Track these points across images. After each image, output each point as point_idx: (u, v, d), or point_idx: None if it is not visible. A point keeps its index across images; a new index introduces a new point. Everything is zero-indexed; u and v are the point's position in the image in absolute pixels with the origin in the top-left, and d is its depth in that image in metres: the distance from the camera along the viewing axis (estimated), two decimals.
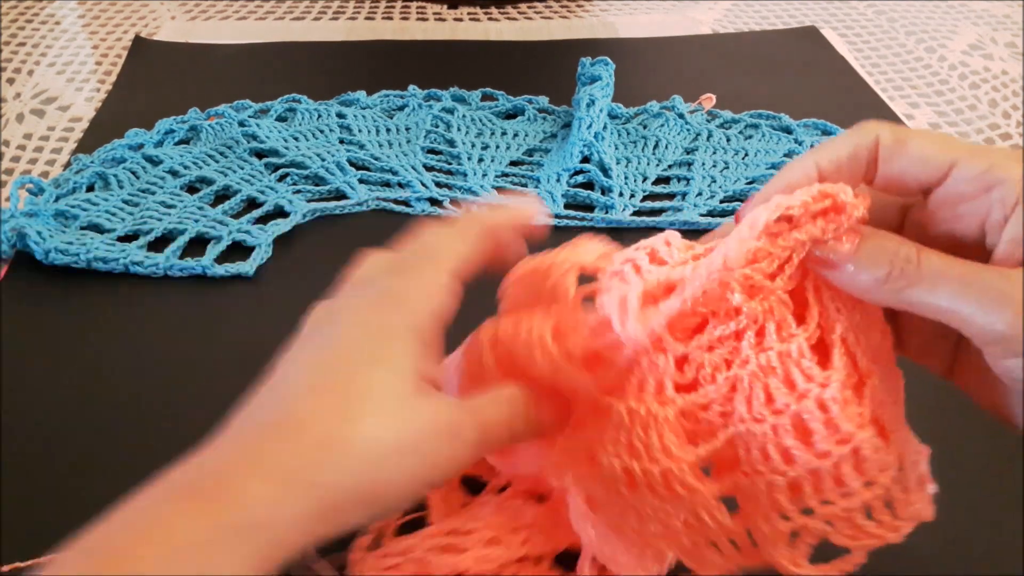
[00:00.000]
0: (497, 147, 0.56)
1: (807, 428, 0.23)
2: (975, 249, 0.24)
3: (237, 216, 0.49)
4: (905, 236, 0.23)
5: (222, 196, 0.50)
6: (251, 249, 0.46)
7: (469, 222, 0.27)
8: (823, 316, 0.24)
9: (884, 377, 0.25)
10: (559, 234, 0.49)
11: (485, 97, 0.61)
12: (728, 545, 0.25)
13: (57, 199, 0.48)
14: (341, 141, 0.56)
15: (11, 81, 0.65)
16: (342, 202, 0.50)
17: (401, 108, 0.60)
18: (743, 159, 0.55)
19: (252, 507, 0.20)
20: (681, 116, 0.58)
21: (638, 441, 0.24)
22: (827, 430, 0.23)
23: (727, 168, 0.54)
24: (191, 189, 0.51)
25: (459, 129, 0.57)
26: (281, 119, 0.58)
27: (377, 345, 0.23)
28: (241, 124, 0.56)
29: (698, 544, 0.25)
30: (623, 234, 0.49)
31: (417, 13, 0.77)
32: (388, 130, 0.57)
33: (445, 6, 0.78)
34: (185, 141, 0.56)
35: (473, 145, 0.56)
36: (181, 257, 0.45)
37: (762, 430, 0.24)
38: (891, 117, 0.61)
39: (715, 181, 0.52)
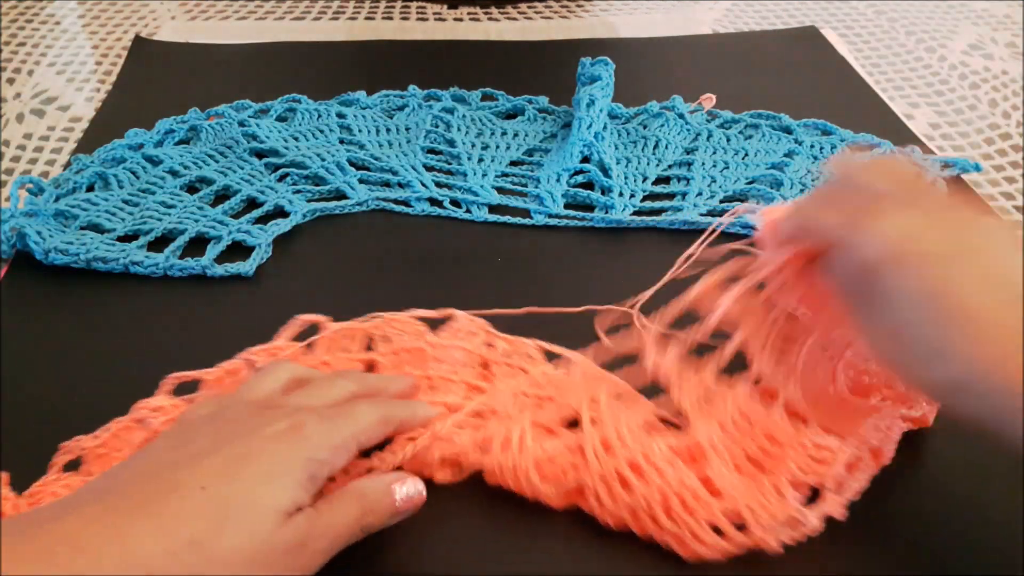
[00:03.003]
0: (497, 147, 0.56)
1: None
2: None
3: (237, 216, 0.49)
4: None
5: (222, 196, 0.50)
6: (251, 249, 0.46)
7: (391, 410, 0.32)
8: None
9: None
10: (559, 234, 0.49)
11: (485, 97, 0.61)
12: None
13: (57, 199, 0.48)
14: (341, 141, 0.56)
15: (11, 81, 0.65)
16: (342, 202, 0.50)
17: (401, 108, 0.60)
18: (743, 159, 0.55)
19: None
20: (681, 116, 0.58)
21: None
22: None
23: (727, 168, 0.54)
24: (191, 189, 0.51)
25: (459, 129, 0.57)
26: (281, 119, 0.58)
27: (274, 468, 0.27)
28: (241, 124, 0.56)
29: None
30: (623, 234, 0.49)
31: (417, 13, 0.77)
32: (388, 130, 0.57)
33: (445, 6, 0.78)
34: (185, 141, 0.56)
35: (473, 145, 0.56)
36: (181, 257, 0.45)
37: None
38: (891, 117, 0.61)
39: (715, 181, 0.52)
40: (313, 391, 0.32)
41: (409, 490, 0.30)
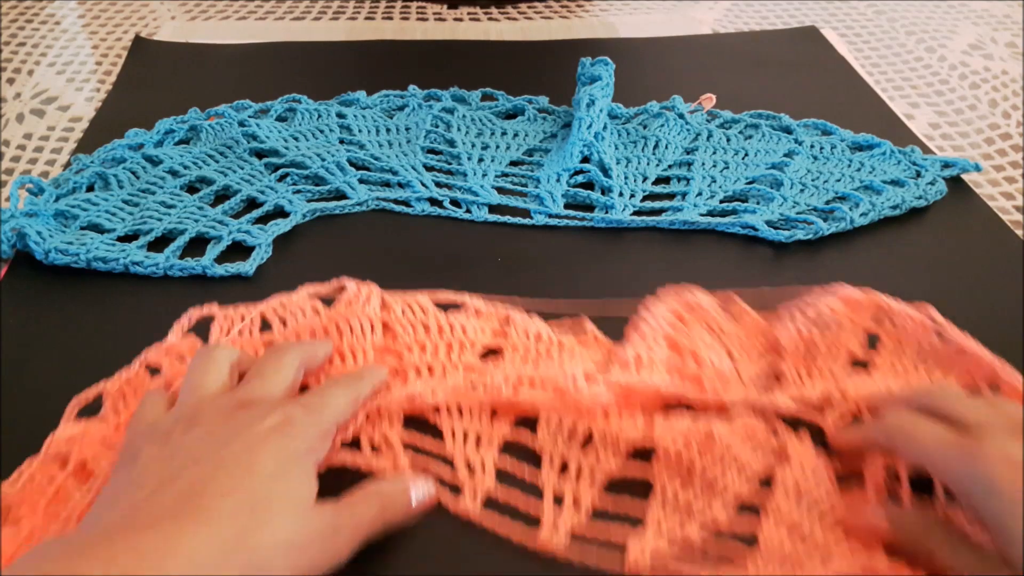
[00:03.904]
0: (497, 147, 0.56)
1: None
2: None
3: (237, 216, 0.49)
4: None
5: (222, 196, 0.50)
6: (251, 249, 0.46)
7: (357, 389, 0.34)
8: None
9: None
10: (559, 234, 0.49)
11: (485, 97, 0.61)
12: None
13: (57, 199, 0.48)
14: (341, 141, 0.56)
15: (11, 81, 0.65)
16: (342, 202, 0.50)
17: (401, 108, 0.60)
18: (743, 159, 0.55)
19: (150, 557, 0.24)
20: (681, 116, 0.58)
21: None
22: None
23: (727, 168, 0.54)
24: (191, 189, 0.51)
25: (459, 129, 0.57)
26: (281, 119, 0.58)
27: (282, 463, 0.28)
28: (241, 124, 0.56)
29: None
30: (623, 234, 0.49)
31: (417, 13, 0.77)
32: (388, 130, 0.57)
33: (445, 6, 0.78)
34: (185, 141, 0.56)
35: (473, 145, 0.56)
36: (181, 257, 0.45)
37: None
38: (891, 117, 0.61)
39: (715, 181, 0.52)
40: (267, 375, 0.33)
41: (425, 491, 0.32)
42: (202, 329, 0.39)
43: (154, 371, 0.37)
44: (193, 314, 0.40)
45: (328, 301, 0.40)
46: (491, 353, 0.39)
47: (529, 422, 0.35)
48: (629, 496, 0.33)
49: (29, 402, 0.37)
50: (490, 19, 0.76)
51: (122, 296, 0.43)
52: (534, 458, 0.34)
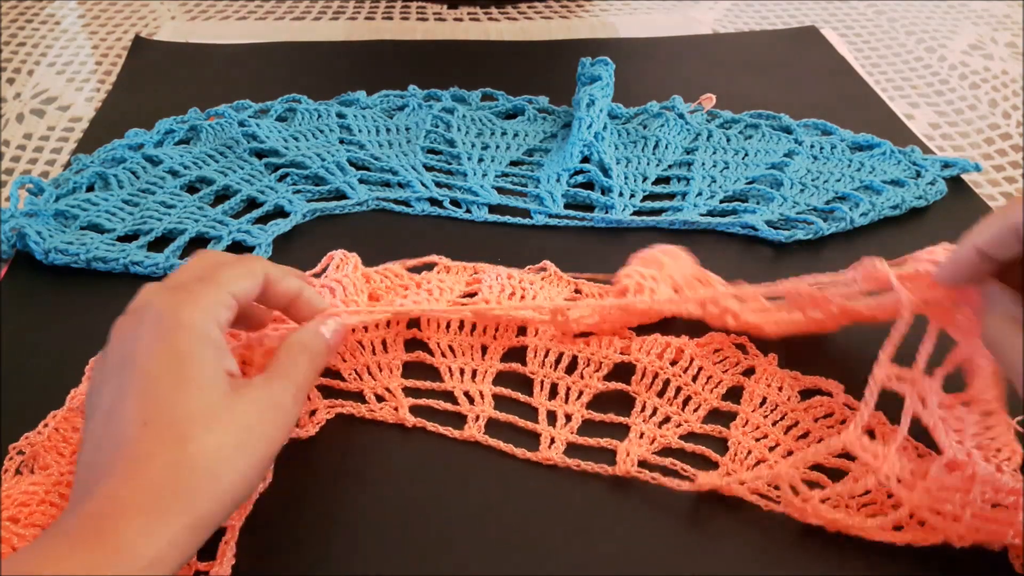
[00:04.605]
0: (497, 147, 0.56)
1: None
2: None
3: (237, 216, 0.49)
4: None
5: (222, 196, 0.50)
6: (251, 249, 0.46)
7: (254, 264, 0.33)
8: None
9: None
10: (559, 234, 0.49)
11: (485, 97, 0.61)
12: None
13: (57, 199, 0.48)
14: (341, 141, 0.56)
15: (11, 81, 0.65)
16: (342, 202, 0.50)
17: (401, 108, 0.60)
18: (743, 159, 0.55)
19: (131, 547, 0.24)
20: (681, 116, 0.58)
21: None
22: None
23: (727, 168, 0.54)
24: (191, 189, 0.51)
25: (459, 129, 0.57)
26: (281, 119, 0.58)
27: (177, 366, 0.27)
28: (241, 124, 0.56)
29: None
30: (623, 234, 0.49)
31: (417, 13, 0.77)
32: (388, 130, 0.57)
33: (445, 6, 0.78)
34: (185, 141, 0.56)
35: (473, 145, 0.56)
36: (181, 257, 0.45)
37: None
38: (891, 117, 0.61)
39: (715, 181, 0.52)
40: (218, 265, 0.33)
41: (334, 325, 0.34)
42: None
43: None
44: None
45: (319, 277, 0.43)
46: (469, 296, 0.42)
47: (518, 355, 0.39)
48: (614, 412, 0.37)
49: (29, 402, 0.37)
50: (490, 19, 0.76)
51: (122, 296, 0.43)
52: (526, 384, 0.38)
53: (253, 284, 0.32)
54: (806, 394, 0.38)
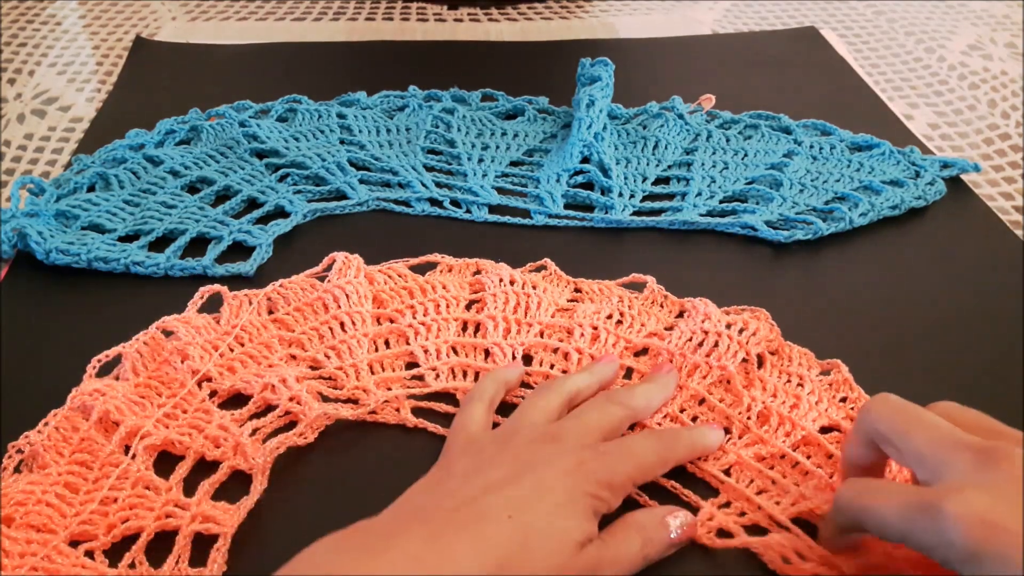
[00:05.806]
0: (497, 147, 0.56)
1: None
2: None
3: (238, 216, 0.49)
4: None
5: (223, 196, 0.50)
6: (251, 249, 0.46)
7: (668, 449, 0.34)
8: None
9: None
10: (559, 234, 0.49)
11: (485, 97, 0.61)
12: None
13: (58, 199, 0.48)
14: (341, 141, 0.56)
15: (12, 81, 0.65)
16: (342, 202, 0.50)
17: (401, 108, 0.60)
18: (743, 159, 0.55)
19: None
20: (681, 116, 0.58)
21: None
22: None
23: (727, 168, 0.54)
24: (192, 189, 0.51)
25: (459, 129, 0.57)
26: (281, 119, 0.58)
27: (564, 504, 0.29)
28: (242, 124, 0.56)
29: None
30: (623, 234, 0.49)
31: (417, 13, 0.77)
32: (388, 130, 0.57)
33: (445, 6, 0.78)
34: (186, 141, 0.56)
35: (473, 145, 0.56)
36: (182, 257, 0.45)
37: None
38: (890, 117, 0.61)
39: (715, 181, 0.53)
40: (588, 418, 0.34)
41: (682, 521, 0.32)
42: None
43: (167, 333, 0.39)
44: (206, 290, 0.41)
45: (322, 280, 0.43)
46: (474, 304, 0.42)
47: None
48: None
49: (30, 402, 0.37)
50: (490, 20, 0.76)
51: (122, 296, 0.43)
52: (526, 385, 0.39)
53: (660, 470, 0.34)
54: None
